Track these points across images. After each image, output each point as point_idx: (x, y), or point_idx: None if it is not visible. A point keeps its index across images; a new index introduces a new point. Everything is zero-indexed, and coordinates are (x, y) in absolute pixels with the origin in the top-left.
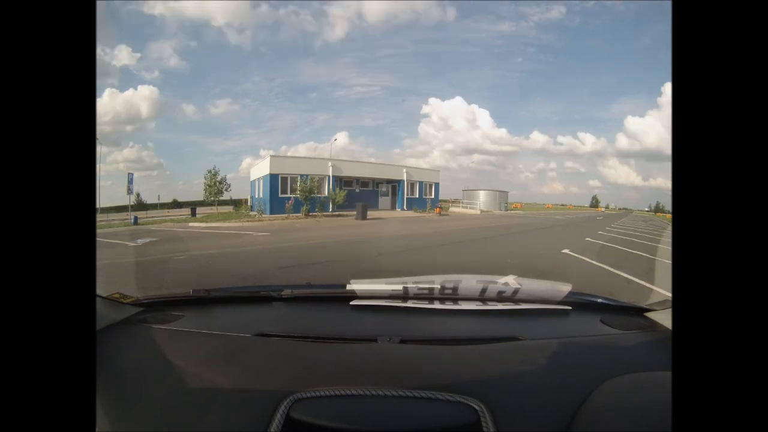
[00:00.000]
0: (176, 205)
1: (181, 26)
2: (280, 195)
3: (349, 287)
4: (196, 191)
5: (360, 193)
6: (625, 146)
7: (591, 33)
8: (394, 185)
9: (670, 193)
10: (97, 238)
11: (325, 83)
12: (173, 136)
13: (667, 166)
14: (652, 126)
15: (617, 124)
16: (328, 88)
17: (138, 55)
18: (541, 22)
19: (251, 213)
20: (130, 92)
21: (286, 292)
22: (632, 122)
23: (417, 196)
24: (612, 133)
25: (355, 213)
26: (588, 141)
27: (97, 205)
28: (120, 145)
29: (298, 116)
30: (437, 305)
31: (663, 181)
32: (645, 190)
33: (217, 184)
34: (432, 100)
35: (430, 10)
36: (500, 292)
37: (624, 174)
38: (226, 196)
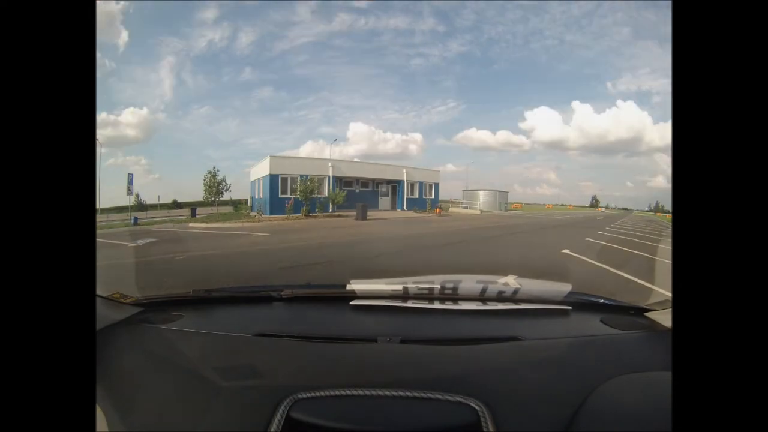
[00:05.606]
0: (176, 205)
1: None
2: (280, 195)
3: (349, 287)
4: (196, 192)
5: (360, 193)
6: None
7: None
8: (394, 185)
9: (670, 194)
10: (98, 239)
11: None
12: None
13: (662, 169)
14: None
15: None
16: (295, 106)
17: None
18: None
19: (251, 213)
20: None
21: (286, 292)
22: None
23: (417, 196)
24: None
25: (355, 213)
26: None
27: (98, 206)
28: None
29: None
30: (437, 305)
31: (663, 180)
32: (644, 190)
33: (217, 184)
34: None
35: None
36: (500, 292)
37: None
38: (226, 197)
